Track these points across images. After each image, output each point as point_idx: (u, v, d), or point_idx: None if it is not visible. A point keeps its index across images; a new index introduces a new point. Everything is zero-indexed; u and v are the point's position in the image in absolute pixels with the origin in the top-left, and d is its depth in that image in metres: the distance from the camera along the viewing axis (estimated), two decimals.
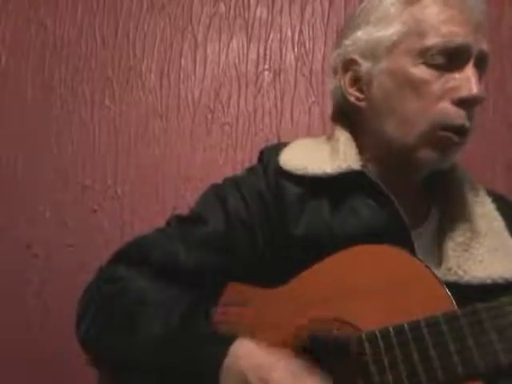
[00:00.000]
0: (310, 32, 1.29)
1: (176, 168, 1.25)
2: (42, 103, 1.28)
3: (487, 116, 1.24)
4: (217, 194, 0.75)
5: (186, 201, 1.22)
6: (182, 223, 0.74)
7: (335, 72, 0.78)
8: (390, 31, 0.70)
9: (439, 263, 0.69)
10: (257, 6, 1.30)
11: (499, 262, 0.67)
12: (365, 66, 0.72)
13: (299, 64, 1.28)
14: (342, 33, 0.78)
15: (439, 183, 0.77)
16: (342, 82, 0.76)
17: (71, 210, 1.24)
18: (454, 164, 0.76)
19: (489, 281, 0.65)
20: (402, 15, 0.69)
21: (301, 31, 1.29)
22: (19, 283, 1.21)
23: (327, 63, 1.27)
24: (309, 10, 1.30)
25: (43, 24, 1.31)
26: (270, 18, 1.30)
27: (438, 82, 0.67)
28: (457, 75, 0.67)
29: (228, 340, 0.59)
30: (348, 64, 0.74)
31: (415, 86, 0.68)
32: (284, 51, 1.29)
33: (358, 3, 1.28)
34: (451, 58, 0.67)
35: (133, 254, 0.72)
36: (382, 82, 0.71)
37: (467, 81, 0.66)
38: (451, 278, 0.66)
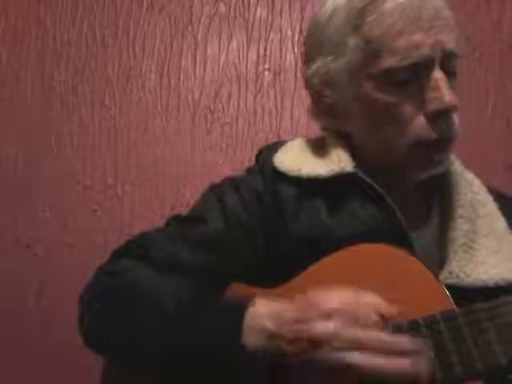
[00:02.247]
0: None
1: (176, 168, 1.25)
2: (42, 103, 1.28)
3: (486, 116, 1.24)
4: (215, 194, 0.75)
5: (185, 200, 1.22)
6: (180, 223, 0.74)
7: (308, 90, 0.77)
8: (345, 60, 0.67)
9: (441, 265, 0.69)
10: (257, 5, 1.30)
11: (501, 264, 0.66)
12: (333, 96, 0.71)
13: (299, 64, 1.28)
14: (303, 58, 0.76)
15: (440, 184, 0.76)
16: (318, 112, 0.75)
17: (71, 210, 1.24)
18: (454, 164, 0.76)
19: (491, 283, 0.64)
20: (353, 38, 0.65)
21: (301, 31, 1.29)
22: (19, 283, 1.21)
23: None
24: (309, 9, 1.30)
25: (43, 24, 1.31)
26: (270, 18, 1.30)
27: (408, 101, 0.65)
28: (424, 85, 0.64)
29: (243, 302, 0.58)
30: (318, 96, 0.73)
31: (385, 111, 0.66)
32: (284, 51, 1.29)
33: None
34: (414, 71, 0.63)
35: (133, 250, 0.71)
36: (354, 110, 0.70)
37: (436, 90, 0.63)
38: (453, 280, 0.65)
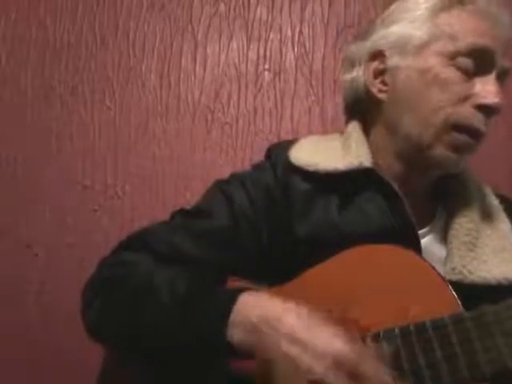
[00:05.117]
0: (310, 32, 1.29)
1: (176, 168, 1.25)
2: (42, 103, 1.28)
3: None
4: (222, 190, 0.75)
5: (186, 200, 1.21)
6: (185, 216, 0.75)
7: (353, 64, 0.79)
8: (422, 31, 0.71)
9: (445, 262, 0.69)
10: (257, 5, 1.30)
11: (504, 263, 0.67)
12: (392, 59, 0.73)
13: (299, 64, 1.28)
14: (370, 27, 0.79)
15: (447, 183, 0.77)
16: (366, 72, 0.76)
17: (71, 210, 1.24)
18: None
19: (493, 281, 0.65)
20: (436, 18, 0.71)
21: (301, 31, 1.29)
22: (19, 283, 1.21)
23: (327, 63, 1.27)
24: (309, 9, 1.30)
25: (43, 24, 1.31)
26: (269, 18, 1.30)
27: (463, 85, 0.69)
28: (481, 82, 0.69)
29: (234, 293, 0.58)
30: (375, 55, 0.75)
31: (441, 85, 0.69)
32: (284, 51, 1.29)
33: (358, 3, 1.29)
34: (477, 63, 0.68)
35: (136, 243, 0.72)
36: (408, 77, 0.72)
37: (490, 89, 0.68)
38: (455, 277, 0.66)
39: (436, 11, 0.72)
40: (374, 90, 0.75)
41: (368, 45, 0.77)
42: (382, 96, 0.75)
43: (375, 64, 0.75)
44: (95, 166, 1.26)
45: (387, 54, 0.74)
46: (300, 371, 0.51)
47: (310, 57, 1.28)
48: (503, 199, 0.76)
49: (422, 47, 0.71)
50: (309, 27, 1.29)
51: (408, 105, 0.72)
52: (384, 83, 0.75)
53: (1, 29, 1.30)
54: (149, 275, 0.65)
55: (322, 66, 1.27)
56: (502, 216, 0.73)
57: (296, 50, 1.29)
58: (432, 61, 0.70)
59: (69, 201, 1.24)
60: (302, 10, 1.30)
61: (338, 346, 0.51)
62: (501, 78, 0.71)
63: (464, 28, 0.69)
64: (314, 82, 1.27)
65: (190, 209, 0.76)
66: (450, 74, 0.69)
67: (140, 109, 1.28)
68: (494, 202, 0.75)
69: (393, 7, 0.77)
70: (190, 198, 1.22)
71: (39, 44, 1.30)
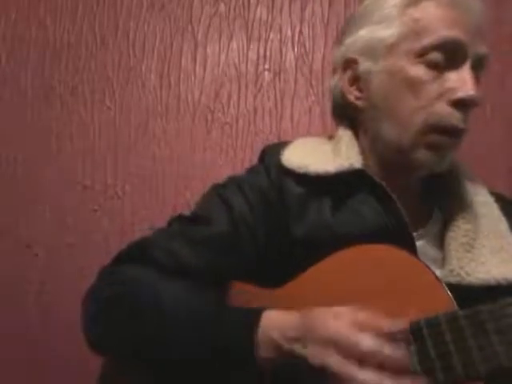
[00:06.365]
0: (310, 32, 1.29)
1: (176, 168, 1.25)
2: (42, 103, 1.28)
3: (487, 118, 1.24)
4: (219, 194, 0.75)
5: (185, 200, 1.22)
6: (184, 223, 0.74)
7: (335, 71, 0.78)
8: (390, 31, 0.69)
9: (443, 265, 0.69)
10: (257, 5, 1.30)
11: (502, 264, 0.67)
12: (364, 65, 0.72)
13: (299, 64, 1.28)
14: (344, 31, 0.78)
15: (442, 184, 0.76)
16: (342, 81, 0.76)
17: (71, 210, 1.24)
18: (456, 164, 0.76)
19: (492, 282, 0.65)
20: (403, 16, 0.69)
21: (301, 31, 1.29)
22: (19, 283, 1.21)
23: (327, 63, 1.27)
24: (309, 9, 1.30)
25: (43, 24, 1.31)
26: (269, 18, 1.30)
27: (436, 83, 0.67)
28: (454, 76, 0.67)
29: (255, 314, 0.58)
30: (348, 63, 0.75)
31: (412, 86, 0.68)
32: (284, 51, 1.29)
33: (358, 3, 1.29)
34: (448, 56, 0.67)
35: (136, 255, 0.71)
36: (381, 81, 0.71)
37: (464, 82, 0.66)
38: (454, 279, 0.65)
39: (403, 8, 0.69)
40: (351, 98, 0.75)
41: (342, 50, 0.76)
42: (359, 103, 0.74)
43: (349, 71, 0.75)
44: (95, 165, 1.26)
45: (359, 60, 0.73)
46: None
47: (310, 57, 1.28)
48: (498, 197, 0.76)
49: (392, 48, 0.69)
50: (309, 27, 1.29)
51: (385, 109, 0.71)
52: (360, 90, 0.74)
53: (1, 29, 1.31)
54: (156, 292, 0.64)
55: (322, 66, 1.27)
56: (499, 215, 0.72)
57: (296, 50, 1.29)
58: (400, 61, 0.69)
59: (69, 201, 1.24)
60: (302, 9, 1.30)
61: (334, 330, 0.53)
62: (477, 66, 0.68)
63: (432, 21, 0.67)
64: (313, 82, 1.27)
65: (188, 215, 0.75)
66: (419, 72, 0.67)
67: (140, 109, 1.28)
68: (490, 200, 0.74)
69: (364, 6, 0.76)
70: (190, 197, 1.22)
71: (39, 44, 1.30)
